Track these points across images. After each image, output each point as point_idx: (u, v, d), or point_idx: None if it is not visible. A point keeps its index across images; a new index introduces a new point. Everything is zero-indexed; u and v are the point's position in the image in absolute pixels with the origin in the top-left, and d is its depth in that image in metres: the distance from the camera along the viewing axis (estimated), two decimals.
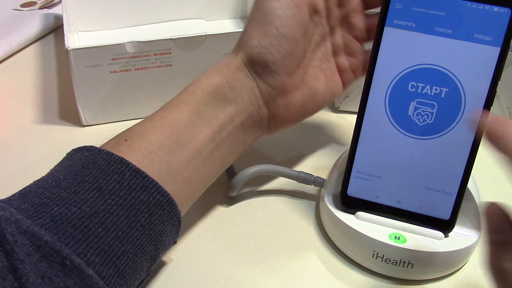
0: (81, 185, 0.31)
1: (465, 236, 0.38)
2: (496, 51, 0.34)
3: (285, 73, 0.37)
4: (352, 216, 0.39)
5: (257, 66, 0.37)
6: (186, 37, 0.48)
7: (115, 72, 0.48)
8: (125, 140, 0.34)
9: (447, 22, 0.35)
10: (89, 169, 0.32)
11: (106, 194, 0.31)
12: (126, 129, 0.36)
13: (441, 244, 0.37)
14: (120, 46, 0.47)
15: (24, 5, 0.67)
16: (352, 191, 0.39)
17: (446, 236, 0.38)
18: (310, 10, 0.38)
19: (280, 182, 0.45)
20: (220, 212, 0.43)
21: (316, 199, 0.44)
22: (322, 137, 0.51)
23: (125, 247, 0.31)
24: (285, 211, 0.43)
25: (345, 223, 0.38)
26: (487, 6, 0.34)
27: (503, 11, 0.34)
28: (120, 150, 0.33)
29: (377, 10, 0.39)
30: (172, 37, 0.48)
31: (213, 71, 0.37)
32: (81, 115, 0.50)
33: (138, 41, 0.47)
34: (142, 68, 0.49)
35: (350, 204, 0.39)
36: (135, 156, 0.33)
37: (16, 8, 0.66)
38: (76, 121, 0.51)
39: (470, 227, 0.38)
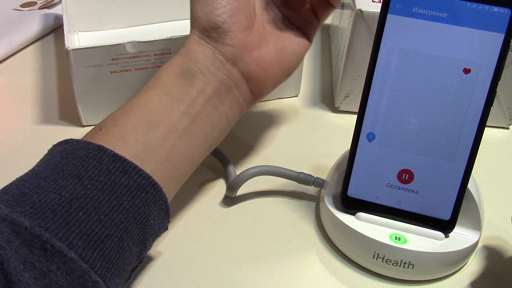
0: (60, 174, 0.31)
1: (466, 237, 0.38)
2: (496, 51, 0.34)
3: (239, 30, 0.38)
4: (352, 216, 0.39)
5: (210, 32, 0.38)
6: (186, 37, 0.48)
7: (115, 72, 0.48)
8: (100, 129, 0.35)
9: (448, 22, 0.35)
10: (68, 159, 0.32)
11: (85, 180, 0.31)
12: (101, 121, 0.36)
13: (442, 245, 0.37)
14: (120, 46, 0.47)
15: (24, 5, 0.67)
16: (352, 191, 0.39)
17: (446, 236, 0.38)
18: None
19: (280, 183, 0.45)
20: (220, 213, 0.43)
21: (316, 199, 0.44)
22: (322, 137, 0.51)
23: (108, 230, 0.31)
24: (285, 211, 0.43)
25: (345, 224, 0.38)
26: (487, 7, 0.34)
27: (503, 11, 0.34)
28: (95, 139, 0.34)
29: None
30: (172, 37, 0.48)
31: (174, 56, 0.38)
32: (81, 115, 0.50)
33: (138, 41, 0.47)
34: (142, 68, 0.49)
35: (350, 205, 0.39)
36: (109, 141, 0.33)
37: (16, 8, 0.66)
38: (76, 121, 0.51)
39: (470, 228, 0.38)
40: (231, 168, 0.45)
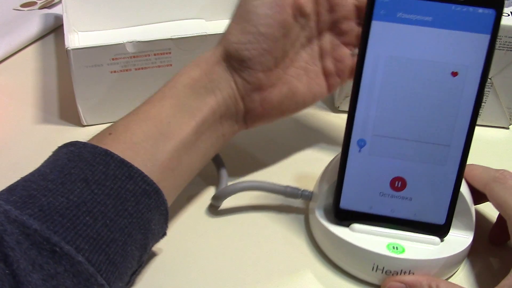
0: (67, 177, 0.32)
1: (460, 239, 0.38)
2: (483, 52, 0.34)
3: (261, 70, 0.38)
4: (347, 228, 0.38)
5: (233, 61, 0.38)
6: (186, 37, 0.48)
7: (115, 72, 0.48)
8: (110, 134, 0.35)
9: (434, 25, 0.34)
10: (75, 162, 0.33)
11: (92, 184, 0.32)
12: (111, 124, 0.36)
13: (439, 250, 0.37)
14: (120, 46, 0.47)
15: (24, 5, 0.67)
16: (345, 203, 0.38)
17: (441, 240, 0.38)
18: (295, 11, 0.38)
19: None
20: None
21: (304, 212, 0.43)
22: (322, 137, 0.51)
23: (114, 234, 0.31)
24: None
25: (340, 237, 0.37)
26: (471, 8, 0.33)
27: (488, 12, 0.33)
28: (105, 143, 0.34)
29: None
30: (172, 37, 0.48)
31: (193, 65, 0.39)
32: (81, 115, 0.50)
33: (138, 41, 0.47)
34: (142, 68, 0.49)
35: (344, 217, 0.38)
36: (119, 148, 0.34)
37: (16, 8, 0.66)
38: (76, 121, 0.51)
39: (463, 229, 0.38)
40: (223, 172, 0.44)
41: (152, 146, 0.35)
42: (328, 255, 0.39)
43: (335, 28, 0.41)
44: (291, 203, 0.43)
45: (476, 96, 0.35)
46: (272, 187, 0.41)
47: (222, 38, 0.39)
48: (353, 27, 0.41)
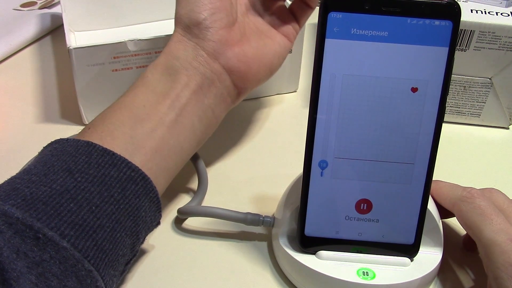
0: (50, 169, 0.32)
1: (430, 255, 0.37)
2: (442, 65, 0.33)
3: (220, 27, 0.39)
4: (313, 256, 0.37)
5: (192, 28, 0.39)
6: None
7: (116, 70, 0.48)
8: (89, 128, 0.36)
9: (390, 40, 0.33)
10: (58, 156, 0.33)
11: (75, 173, 0.32)
12: (90, 121, 0.37)
13: (410, 271, 0.36)
14: (122, 44, 0.47)
15: (24, 5, 0.67)
16: (309, 230, 0.36)
17: (411, 260, 0.37)
18: None
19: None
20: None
21: (266, 238, 0.41)
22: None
23: (100, 221, 0.32)
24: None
25: (307, 267, 0.36)
26: (427, 21, 0.33)
27: (445, 24, 0.33)
28: (85, 137, 0.35)
29: None
30: None
31: (158, 56, 0.39)
32: (83, 114, 0.50)
33: (139, 39, 0.47)
34: (143, 66, 0.49)
35: (309, 244, 0.37)
36: (98, 137, 0.34)
37: (16, 8, 0.67)
38: (78, 120, 0.51)
39: (432, 245, 0.38)
40: (202, 186, 0.44)
41: (130, 129, 0.35)
42: (296, 286, 0.38)
43: None
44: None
45: (438, 111, 0.34)
46: (232, 215, 0.40)
47: (174, 23, 0.40)
48: None
